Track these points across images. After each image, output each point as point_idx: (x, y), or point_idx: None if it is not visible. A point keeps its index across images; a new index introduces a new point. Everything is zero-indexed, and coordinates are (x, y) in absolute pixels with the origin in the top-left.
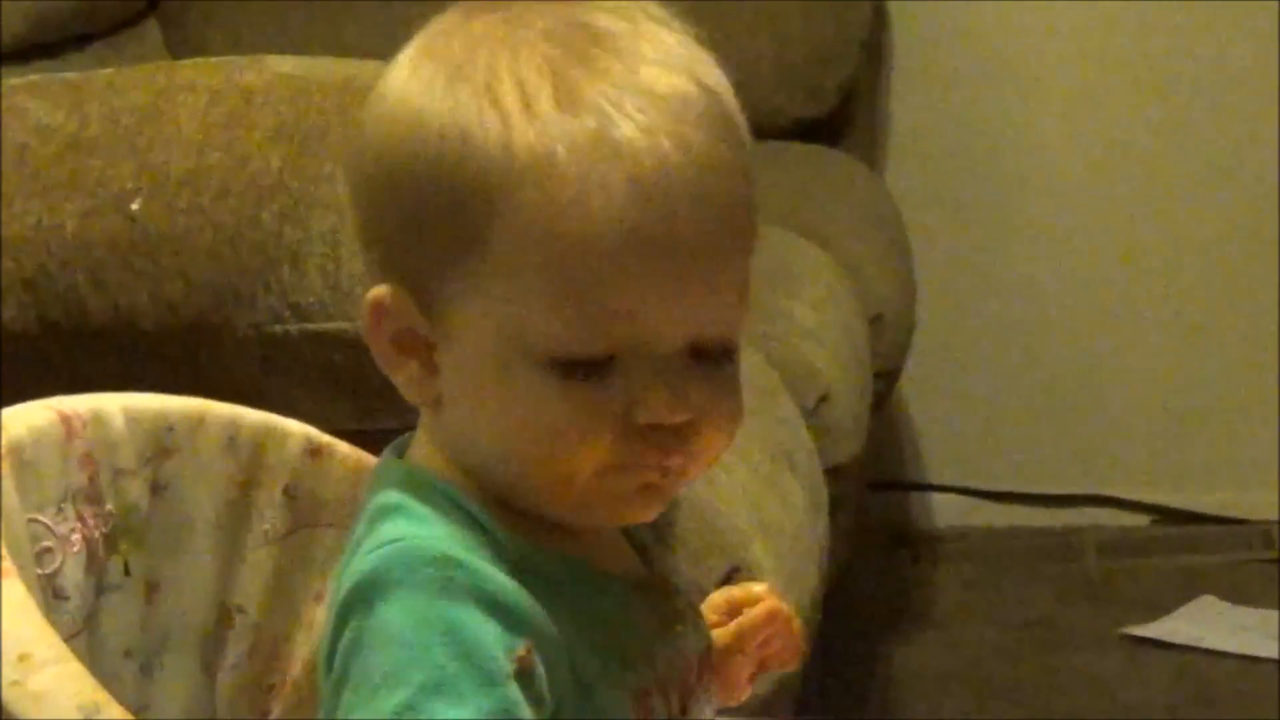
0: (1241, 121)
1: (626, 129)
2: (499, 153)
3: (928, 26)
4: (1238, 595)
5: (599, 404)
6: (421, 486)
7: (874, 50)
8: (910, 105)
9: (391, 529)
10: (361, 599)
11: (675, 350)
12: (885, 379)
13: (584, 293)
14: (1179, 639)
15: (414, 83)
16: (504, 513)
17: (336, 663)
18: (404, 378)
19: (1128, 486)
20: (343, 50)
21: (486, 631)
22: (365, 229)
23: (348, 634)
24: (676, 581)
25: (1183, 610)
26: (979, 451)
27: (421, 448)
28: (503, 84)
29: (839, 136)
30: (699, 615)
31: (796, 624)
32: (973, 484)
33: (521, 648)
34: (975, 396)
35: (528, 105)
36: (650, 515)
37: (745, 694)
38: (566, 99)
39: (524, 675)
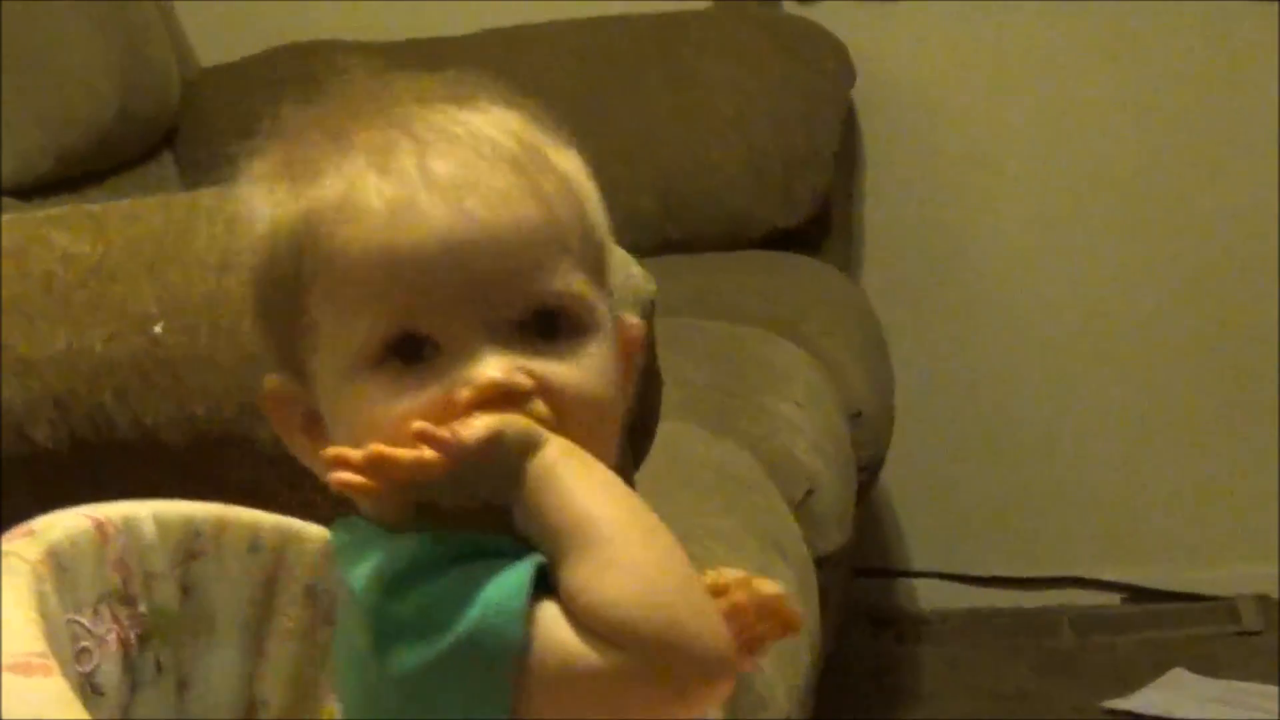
0: (1201, 221)
1: (387, 171)
2: (290, 218)
3: (897, 137)
4: (1206, 667)
5: (425, 385)
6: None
7: (846, 161)
8: (882, 212)
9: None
10: None
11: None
12: (867, 471)
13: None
14: (1153, 710)
15: (250, 192)
16: None
17: None
18: (321, 465)
19: (1098, 567)
20: None
21: None
22: (257, 332)
23: None
24: None
25: (1155, 683)
26: (958, 538)
27: None
28: (296, 168)
29: (815, 244)
30: None
31: (767, 589)
32: (953, 569)
33: None
34: (953, 486)
35: (308, 178)
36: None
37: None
38: (335, 167)
39: None
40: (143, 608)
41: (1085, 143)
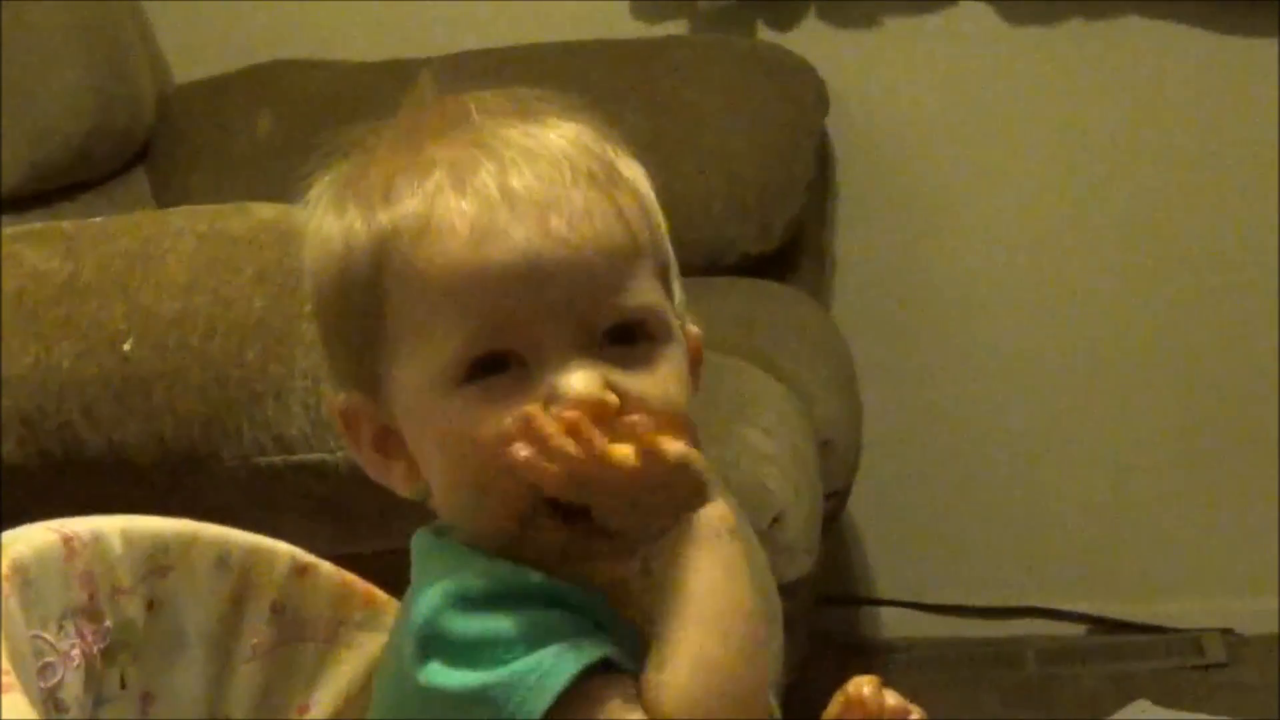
0: (1171, 257)
1: (467, 185)
2: (368, 236)
3: (871, 167)
4: (1169, 700)
5: (516, 399)
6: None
7: (819, 189)
8: (853, 241)
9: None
10: None
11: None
12: (835, 499)
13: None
14: None
15: (319, 212)
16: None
17: None
18: (396, 479)
19: (1064, 598)
20: None
21: None
22: (324, 352)
23: None
24: None
25: (1118, 715)
26: (924, 567)
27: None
28: (371, 186)
29: (787, 271)
30: None
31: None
32: (919, 598)
33: None
34: (919, 515)
35: (385, 196)
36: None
37: None
38: (414, 185)
39: None
40: (108, 623)
41: (1060, 169)
